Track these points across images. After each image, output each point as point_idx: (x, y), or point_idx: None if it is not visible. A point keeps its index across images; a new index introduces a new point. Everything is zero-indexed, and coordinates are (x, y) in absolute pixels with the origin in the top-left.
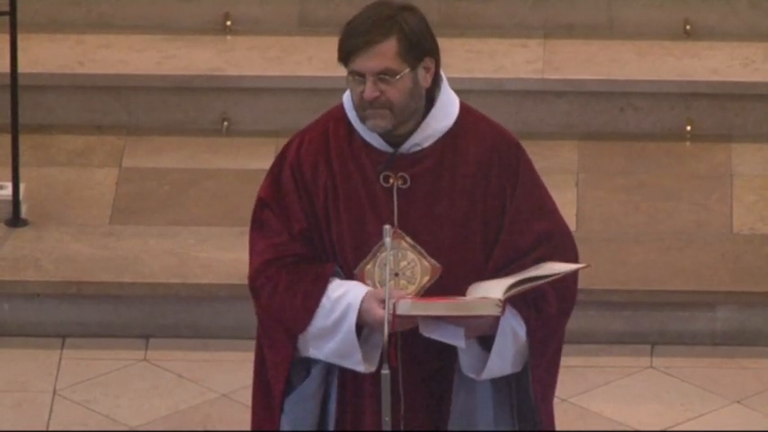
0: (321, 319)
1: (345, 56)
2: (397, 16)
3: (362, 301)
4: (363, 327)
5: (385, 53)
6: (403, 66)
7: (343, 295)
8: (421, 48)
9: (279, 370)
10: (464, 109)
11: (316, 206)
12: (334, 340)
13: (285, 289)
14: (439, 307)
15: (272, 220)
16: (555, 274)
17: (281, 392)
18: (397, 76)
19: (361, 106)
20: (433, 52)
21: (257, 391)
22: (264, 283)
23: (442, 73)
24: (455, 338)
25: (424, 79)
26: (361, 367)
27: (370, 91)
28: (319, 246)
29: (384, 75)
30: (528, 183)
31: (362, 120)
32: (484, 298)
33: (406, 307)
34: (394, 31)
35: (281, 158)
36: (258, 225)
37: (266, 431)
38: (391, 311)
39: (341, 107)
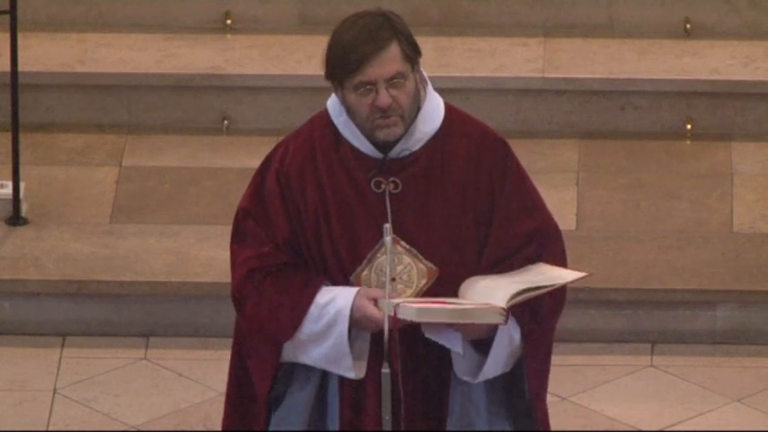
0: (310, 325)
1: (352, 69)
2: (390, 20)
3: (354, 302)
4: (352, 330)
5: (394, 57)
6: (408, 67)
7: (332, 300)
8: (415, 47)
9: (264, 379)
10: (448, 109)
11: (303, 220)
12: (323, 346)
13: (271, 298)
14: (443, 314)
15: (255, 230)
16: (556, 284)
17: (266, 400)
18: (407, 79)
19: (372, 117)
20: (420, 52)
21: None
22: (249, 293)
23: (425, 74)
24: (453, 343)
25: (419, 81)
26: (351, 374)
27: (384, 98)
28: (308, 257)
29: (395, 79)
30: (516, 180)
31: (371, 131)
32: (487, 305)
33: (411, 313)
34: (394, 35)
35: (264, 167)
36: (240, 236)
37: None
38: (391, 313)
39: (325, 114)
